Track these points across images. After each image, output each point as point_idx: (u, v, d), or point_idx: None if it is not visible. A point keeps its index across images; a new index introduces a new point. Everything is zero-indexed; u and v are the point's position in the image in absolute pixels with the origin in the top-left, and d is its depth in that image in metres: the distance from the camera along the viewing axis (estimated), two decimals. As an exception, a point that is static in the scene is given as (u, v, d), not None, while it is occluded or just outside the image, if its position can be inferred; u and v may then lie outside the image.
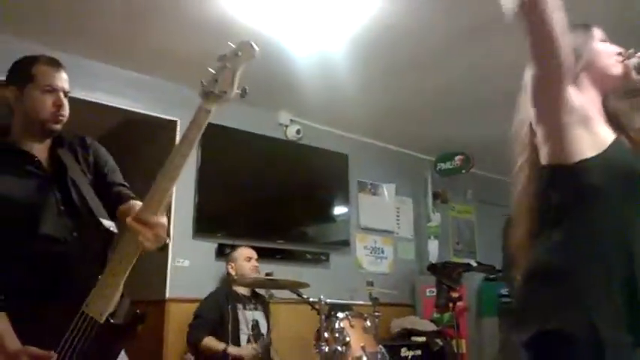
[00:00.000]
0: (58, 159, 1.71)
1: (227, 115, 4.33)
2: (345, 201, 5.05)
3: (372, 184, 5.35)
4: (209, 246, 4.06)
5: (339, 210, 5.02)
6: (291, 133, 4.73)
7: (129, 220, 1.49)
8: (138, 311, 1.63)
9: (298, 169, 4.72)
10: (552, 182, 1.35)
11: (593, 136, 1.32)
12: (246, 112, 4.48)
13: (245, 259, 3.69)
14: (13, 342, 1.47)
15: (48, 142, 1.72)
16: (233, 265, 3.73)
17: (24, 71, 1.67)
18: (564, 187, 1.33)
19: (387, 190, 5.44)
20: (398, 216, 5.51)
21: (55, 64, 1.71)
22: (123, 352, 1.69)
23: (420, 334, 4.58)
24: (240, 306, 3.57)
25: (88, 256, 1.66)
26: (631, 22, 3.12)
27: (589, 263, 1.27)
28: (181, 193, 4.00)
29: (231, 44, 1.51)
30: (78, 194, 1.69)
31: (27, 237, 1.59)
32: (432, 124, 5.00)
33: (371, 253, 5.18)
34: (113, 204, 1.77)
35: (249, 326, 3.52)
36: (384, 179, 5.43)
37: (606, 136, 1.35)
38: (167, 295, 3.83)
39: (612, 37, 1.52)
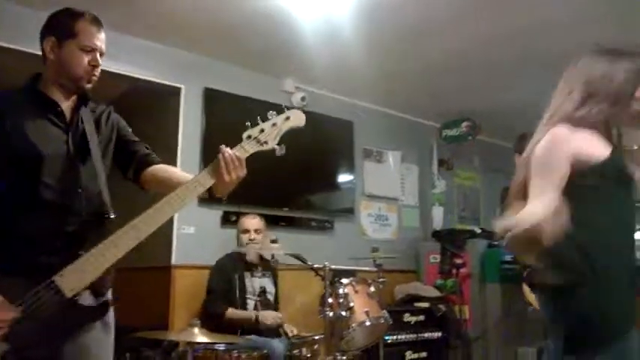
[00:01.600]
0: (80, 117, 1.71)
1: (231, 82, 4.31)
2: (350, 168, 5.05)
3: (378, 151, 5.33)
4: (214, 213, 4.08)
5: (344, 177, 5.02)
6: (296, 100, 4.69)
7: (225, 148, 1.62)
8: (109, 299, 1.62)
9: (303, 137, 4.67)
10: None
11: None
12: (251, 78, 4.45)
13: (242, 231, 3.67)
14: None
15: (74, 98, 1.72)
16: (237, 234, 3.74)
17: (66, 26, 1.65)
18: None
19: (393, 158, 5.43)
20: (403, 183, 5.51)
21: (98, 24, 1.70)
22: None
23: (423, 299, 4.64)
24: (247, 273, 3.60)
25: (87, 216, 1.64)
26: None
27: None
28: (186, 160, 4.00)
29: (286, 108, 1.75)
30: (92, 156, 1.69)
31: (31, 182, 1.57)
32: (438, 90, 4.94)
33: (375, 220, 5.20)
34: (139, 165, 1.82)
35: (257, 293, 3.56)
36: (389, 146, 5.41)
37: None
38: (173, 261, 3.88)
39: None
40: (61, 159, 1.62)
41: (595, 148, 1.63)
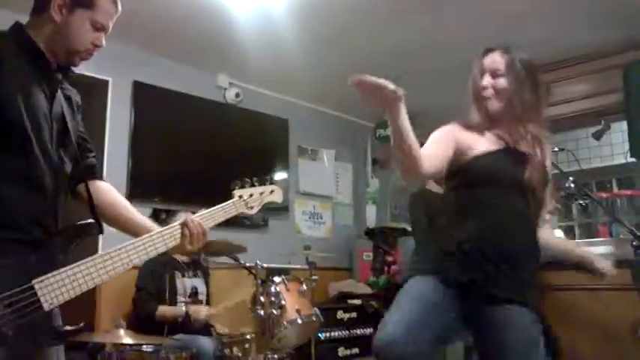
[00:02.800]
0: (58, 94, 1.52)
1: (162, 76, 4.20)
2: (285, 166, 5.03)
3: (312, 149, 5.35)
4: (143, 211, 3.89)
5: (278, 175, 5.00)
6: (230, 96, 4.64)
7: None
8: (81, 324, 1.47)
9: (237, 133, 4.65)
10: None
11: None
12: (184, 73, 4.35)
13: None
14: None
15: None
16: None
17: None
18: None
19: (327, 156, 5.46)
20: (337, 181, 5.55)
21: (117, 5, 1.56)
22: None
23: (356, 297, 4.69)
24: (178, 274, 3.52)
25: (62, 199, 1.49)
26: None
27: None
28: (114, 155, 3.87)
29: (271, 181, 1.91)
30: (71, 138, 1.53)
31: (20, 153, 1.37)
32: (372, 90, 5.00)
33: (309, 218, 5.21)
34: (83, 173, 1.60)
35: (187, 294, 3.49)
36: (324, 145, 5.43)
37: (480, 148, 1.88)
38: (99, 251, 3.72)
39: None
40: (47, 134, 1.43)
41: (472, 146, 1.87)
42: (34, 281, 1.29)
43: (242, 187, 1.80)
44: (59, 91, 1.53)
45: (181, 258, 3.59)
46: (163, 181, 4.15)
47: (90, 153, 1.68)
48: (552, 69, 4.30)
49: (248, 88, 4.77)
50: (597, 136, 3.90)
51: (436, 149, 1.81)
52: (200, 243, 1.63)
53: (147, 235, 1.55)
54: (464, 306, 1.78)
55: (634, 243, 2.70)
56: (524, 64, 1.90)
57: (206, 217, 1.66)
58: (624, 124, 3.75)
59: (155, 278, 3.42)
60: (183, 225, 1.59)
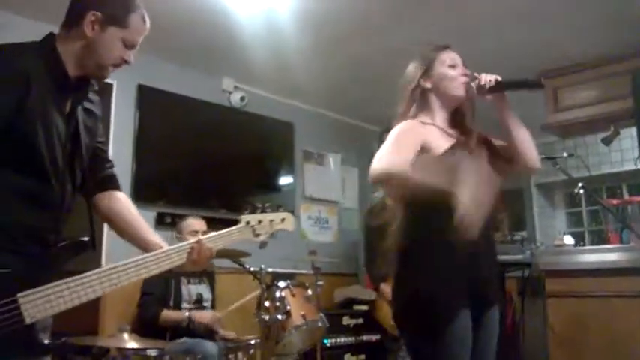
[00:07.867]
0: (77, 107, 1.55)
1: (167, 79, 4.18)
2: (290, 171, 5.01)
3: (318, 154, 5.32)
4: (148, 215, 3.93)
5: (284, 180, 4.97)
6: (235, 99, 4.61)
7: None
8: (64, 339, 1.52)
9: (242, 137, 4.62)
10: None
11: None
12: (189, 76, 4.33)
13: (190, 232, 3.53)
14: None
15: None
16: (180, 237, 3.56)
17: (121, 12, 1.52)
18: None
19: (333, 160, 5.43)
20: (344, 186, 5.51)
21: (146, 23, 1.60)
22: None
23: (362, 302, 4.64)
24: (184, 280, 3.50)
25: (66, 216, 1.54)
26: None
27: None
28: (118, 159, 3.78)
29: (280, 209, 1.80)
30: (81, 160, 1.56)
31: (33, 172, 1.42)
32: (379, 94, 4.96)
33: (315, 223, 5.18)
34: (102, 184, 1.67)
35: (192, 300, 3.46)
36: (330, 149, 5.40)
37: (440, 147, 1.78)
38: (103, 264, 3.70)
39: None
40: (59, 154, 1.47)
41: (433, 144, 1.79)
42: (18, 295, 1.31)
43: (252, 212, 1.73)
44: (79, 109, 1.55)
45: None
46: (168, 185, 4.13)
47: (107, 164, 1.71)
48: (561, 74, 4.26)
49: (253, 91, 4.74)
50: (607, 141, 3.85)
51: (411, 156, 1.72)
52: (204, 265, 1.64)
53: (152, 254, 1.56)
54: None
55: (645, 250, 2.67)
56: None
57: (211, 241, 1.65)
58: (634, 130, 3.70)
59: (160, 283, 3.39)
60: (193, 248, 1.59)
